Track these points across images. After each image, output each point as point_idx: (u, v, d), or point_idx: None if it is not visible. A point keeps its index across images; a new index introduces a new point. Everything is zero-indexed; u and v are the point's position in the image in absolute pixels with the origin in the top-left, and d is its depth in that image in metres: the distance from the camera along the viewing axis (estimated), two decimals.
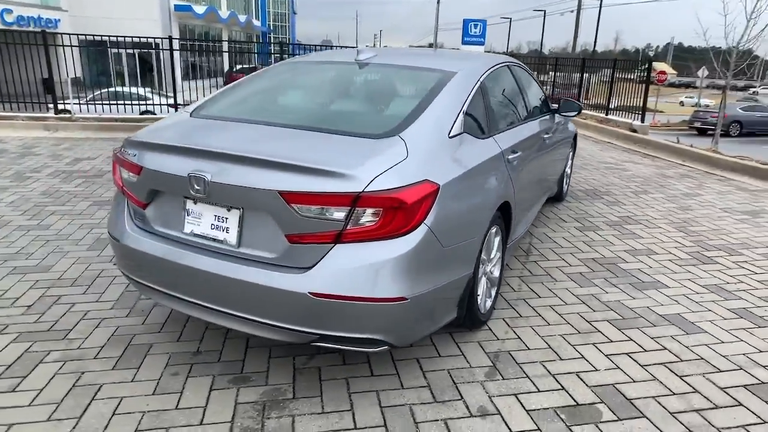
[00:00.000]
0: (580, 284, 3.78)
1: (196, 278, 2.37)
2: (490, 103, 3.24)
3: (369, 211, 2.15)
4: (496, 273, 3.25)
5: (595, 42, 35.39)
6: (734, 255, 4.43)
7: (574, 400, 2.49)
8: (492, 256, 3.12)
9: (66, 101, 10.43)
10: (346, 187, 2.11)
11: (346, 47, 11.66)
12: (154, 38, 10.72)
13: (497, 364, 2.77)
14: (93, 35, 9.84)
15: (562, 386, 2.59)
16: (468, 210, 2.63)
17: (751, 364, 2.85)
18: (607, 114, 11.50)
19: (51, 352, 2.76)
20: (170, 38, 10.01)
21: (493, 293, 3.24)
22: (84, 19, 24.74)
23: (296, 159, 2.19)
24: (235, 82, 3.39)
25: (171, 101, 12.05)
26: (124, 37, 10.05)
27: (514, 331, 3.10)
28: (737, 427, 2.35)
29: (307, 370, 2.67)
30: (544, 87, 11.32)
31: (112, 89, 12.42)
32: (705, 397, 2.55)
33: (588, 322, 3.25)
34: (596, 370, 2.74)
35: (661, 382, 2.65)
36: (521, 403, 2.45)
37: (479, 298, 2.94)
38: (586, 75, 12.72)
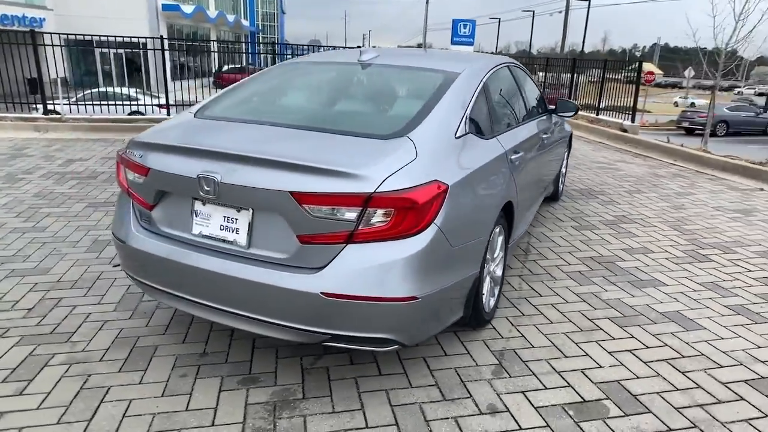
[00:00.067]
0: (580, 283, 3.82)
1: (205, 279, 2.37)
2: (493, 104, 3.27)
3: (380, 211, 2.16)
4: (499, 272, 3.28)
5: (583, 42, 35.69)
6: (728, 253, 4.50)
7: (581, 397, 2.52)
8: (495, 255, 3.14)
9: (54, 101, 10.33)
10: (358, 187, 2.12)
11: (336, 47, 11.69)
12: (146, 38, 10.64)
13: (503, 362, 2.79)
14: (81, 35, 9.73)
15: (568, 383, 2.62)
16: (475, 210, 2.66)
17: (750, 359, 2.91)
18: (597, 114, 11.60)
19: (55, 355, 2.74)
20: (162, 38, 9.94)
21: (496, 292, 3.27)
22: (69, 18, 24.49)
23: (308, 160, 2.19)
24: (237, 83, 3.38)
25: (160, 101, 11.98)
26: (115, 37, 9.96)
27: (518, 330, 3.13)
28: (740, 421, 2.40)
29: (315, 370, 2.67)
30: None
31: (99, 89, 12.28)
32: (707, 392, 2.60)
33: (589, 320, 3.28)
34: (600, 367, 2.78)
35: (665, 378, 2.69)
36: (529, 401, 2.48)
37: (484, 297, 2.96)
38: (576, 75, 12.82)
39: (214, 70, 22.11)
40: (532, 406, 2.44)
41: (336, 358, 2.76)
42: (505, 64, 3.85)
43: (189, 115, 2.97)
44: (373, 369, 2.69)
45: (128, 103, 11.74)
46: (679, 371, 2.76)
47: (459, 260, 2.51)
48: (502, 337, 3.04)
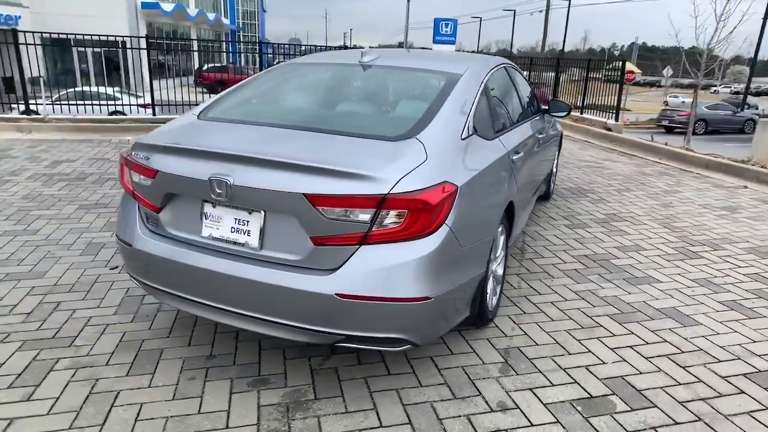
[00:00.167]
0: (577, 281, 3.88)
1: (216, 281, 2.36)
2: (494, 105, 3.31)
3: (393, 212, 2.18)
4: (500, 271, 3.32)
5: (564, 42, 36.09)
6: (718, 250, 4.61)
7: (588, 393, 2.57)
8: (497, 254, 3.18)
9: (37, 101, 10.13)
10: (372, 189, 2.14)
11: (317, 46, 11.63)
12: (130, 37, 10.48)
13: (509, 360, 2.83)
14: (64, 33, 9.56)
15: (574, 379, 2.67)
16: (482, 210, 2.69)
17: (747, 353, 2.99)
18: (582, 113, 11.76)
19: (60, 360, 2.70)
20: (147, 38, 9.82)
21: (498, 291, 3.31)
22: (46, 16, 23.99)
23: (321, 162, 2.20)
24: (238, 84, 3.37)
25: (140, 101, 11.82)
26: (99, 36, 9.79)
27: (521, 328, 3.17)
28: (742, 413, 2.47)
29: (324, 370, 2.68)
30: None
31: (78, 89, 12.05)
32: (709, 386, 2.67)
33: (589, 317, 3.34)
34: (604, 363, 2.84)
35: (667, 373, 2.76)
36: (538, 397, 2.52)
37: (488, 296, 3.00)
38: (561, 74, 12.98)
39: (194, 69, 21.89)
40: (541, 402, 2.49)
41: (344, 359, 2.77)
42: (503, 65, 3.90)
43: (192, 116, 2.95)
44: (381, 369, 2.70)
45: (108, 103, 11.53)
46: (680, 366, 2.83)
47: (468, 260, 2.54)
48: (506, 336, 3.08)
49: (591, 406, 2.48)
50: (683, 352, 2.98)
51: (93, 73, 20.58)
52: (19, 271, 3.72)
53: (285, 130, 2.62)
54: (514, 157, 3.29)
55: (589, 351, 2.95)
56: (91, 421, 2.26)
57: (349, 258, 2.21)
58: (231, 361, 2.74)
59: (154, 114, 10.10)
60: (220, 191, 2.29)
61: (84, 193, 5.59)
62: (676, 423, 2.38)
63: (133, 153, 2.64)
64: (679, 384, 2.67)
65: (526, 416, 2.39)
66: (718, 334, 3.20)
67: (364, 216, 2.17)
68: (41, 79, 9.68)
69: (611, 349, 2.98)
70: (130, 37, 10.25)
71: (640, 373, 2.76)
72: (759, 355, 2.97)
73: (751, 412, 2.48)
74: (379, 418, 2.33)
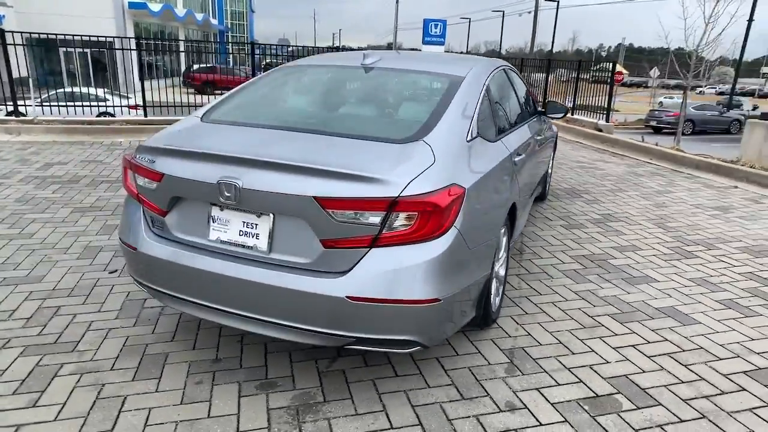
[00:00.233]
0: (576, 281, 3.92)
1: (224, 285, 2.36)
2: (495, 107, 3.33)
3: (403, 215, 2.19)
4: (502, 272, 3.34)
5: (552, 42, 36.36)
6: (712, 249, 4.68)
7: (593, 392, 2.60)
8: (500, 255, 3.20)
9: (25, 103, 10.00)
10: (382, 191, 2.15)
11: (306, 47, 11.60)
12: (119, 37, 10.38)
13: (514, 360, 2.85)
14: (53, 34, 9.44)
15: (579, 379, 2.70)
16: (488, 212, 2.71)
17: (746, 351, 3.04)
18: (573, 114, 11.85)
19: (64, 365, 2.68)
20: (138, 39, 9.74)
21: (501, 292, 3.34)
22: (31, 16, 23.72)
23: (331, 164, 2.20)
24: (240, 86, 3.36)
25: (129, 102, 11.71)
26: (90, 36, 9.70)
27: (523, 328, 3.20)
28: (745, 410, 2.51)
29: (332, 373, 2.68)
30: None
31: (66, 90, 11.89)
32: (711, 383, 2.71)
33: (590, 317, 3.38)
34: (607, 362, 2.87)
35: (669, 372, 2.80)
36: (545, 397, 2.54)
37: (491, 297, 3.02)
38: (549, 75, 13.07)
39: (183, 69, 21.75)
40: (548, 402, 2.51)
41: (351, 361, 2.78)
42: (502, 67, 3.93)
43: (195, 119, 2.93)
44: (389, 370, 2.71)
45: (98, 104, 11.40)
46: (682, 364, 2.87)
47: (475, 262, 2.55)
48: (510, 336, 3.10)
49: (597, 405, 2.50)
50: (684, 350, 3.02)
51: (79, 74, 20.36)
52: (16, 275, 3.68)
53: (290, 133, 2.62)
54: (516, 159, 3.32)
55: (592, 350, 2.98)
56: (99, 426, 2.24)
57: (359, 261, 2.21)
58: (237, 365, 2.73)
59: (145, 115, 10.02)
60: (228, 194, 2.29)
61: (78, 195, 5.53)
62: (682, 421, 2.41)
63: (137, 156, 2.62)
64: (682, 382, 2.71)
65: (534, 416, 2.41)
66: (717, 332, 3.24)
67: (375, 218, 2.18)
68: (30, 80, 9.55)
69: (614, 348, 3.01)
70: (120, 37, 10.14)
71: (644, 371, 2.79)
72: (758, 353, 3.02)
73: (753, 408, 2.52)
74: (389, 420, 2.34)
